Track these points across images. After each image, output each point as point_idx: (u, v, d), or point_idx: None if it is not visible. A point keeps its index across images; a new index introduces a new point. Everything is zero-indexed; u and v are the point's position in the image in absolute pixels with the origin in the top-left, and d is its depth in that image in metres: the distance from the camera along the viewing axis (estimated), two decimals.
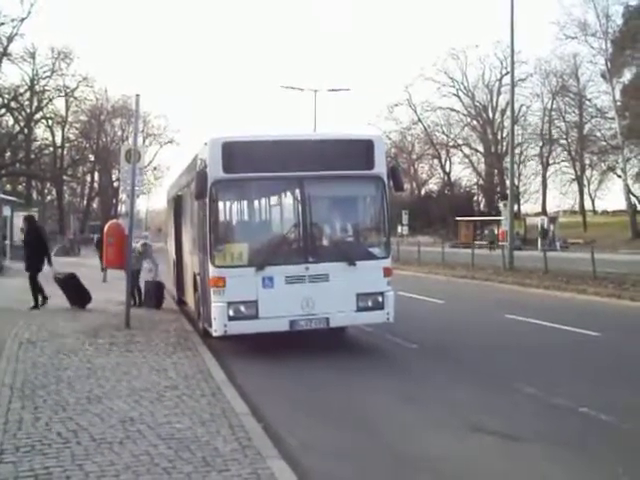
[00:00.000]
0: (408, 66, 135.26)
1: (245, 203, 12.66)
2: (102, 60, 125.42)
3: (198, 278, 12.36)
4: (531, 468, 6.10)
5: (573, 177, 70.75)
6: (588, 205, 73.13)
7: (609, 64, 55.31)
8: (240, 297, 10.51)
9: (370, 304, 10.98)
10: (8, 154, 57.88)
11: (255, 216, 12.74)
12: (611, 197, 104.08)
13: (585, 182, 70.86)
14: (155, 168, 78.10)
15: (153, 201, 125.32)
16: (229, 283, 10.50)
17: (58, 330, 12.41)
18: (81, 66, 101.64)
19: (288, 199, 11.69)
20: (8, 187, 59.74)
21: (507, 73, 59.50)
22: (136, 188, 13.77)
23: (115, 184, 70.47)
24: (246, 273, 10.53)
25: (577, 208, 71.90)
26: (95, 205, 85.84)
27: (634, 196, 59.17)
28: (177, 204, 17.01)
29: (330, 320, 10.82)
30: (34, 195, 68.67)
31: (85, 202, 79.89)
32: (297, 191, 11.04)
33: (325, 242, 11.40)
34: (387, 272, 11.16)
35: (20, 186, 65.19)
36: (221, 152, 10.65)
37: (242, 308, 10.51)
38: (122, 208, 75.81)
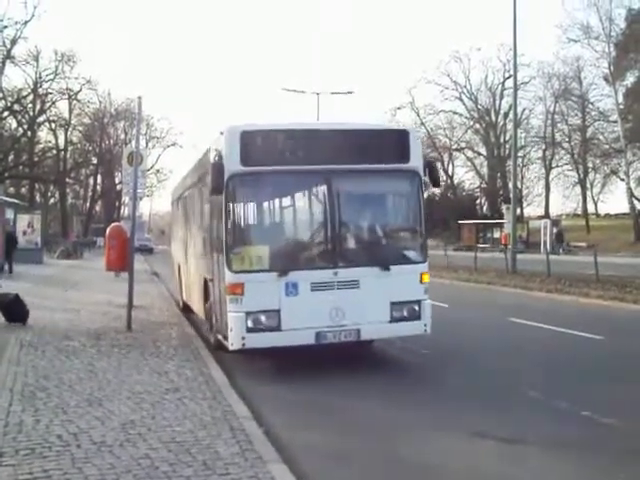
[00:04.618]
0: (411, 69, 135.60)
1: (266, 200, 11.18)
2: (105, 63, 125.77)
3: (210, 284, 11.18)
4: (533, 472, 6.07)
5: (576, 180, 70.69)
6: (591, 208, 73.16)
7: (612, 67, 55.23)
8: (260, 306, 9.42)
9: (405, 314, 9.96)
10: (11, 157, 57.80)
11: (277, 215, 11.27)
12: (614, 200, 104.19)
13: (588, 185, 70.77)
14: (158, 171, 78.42)
15: (156, 204, 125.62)
16: (248, 290, 9.40)
17: (59, 332, 12.40)
18: (84, 69, 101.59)
19: (314, 196, 10.46)
20: (11, 190, 59.87)
21: (510, 76, 59.69)
22: (138, 191, 13.81)
23: (118, 187, 70.44)
24: (267, 279, 9.46)
25: (580, 211, 71.84)
26: (98, 208, 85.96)
27: (637, 199, 59.03)
28: (184, 204, 16.08)
29: (361, 332, 9.74)
30: (37, 198, 68.69)
31: (88, 205, 79.88)
32: (324, 187, 9.91)
33: (355, 244, 10.27)
34: (424, 278, 10.17)
35: (23, 189, 65.25)
36: (239, 142, 9.58)
37: (262, 318, 9.43)
38: (125, 211, 76.08)
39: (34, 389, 8.18)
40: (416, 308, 10.04)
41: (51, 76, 57.85)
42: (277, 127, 10.29)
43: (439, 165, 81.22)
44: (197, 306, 13.76)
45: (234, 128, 9.74)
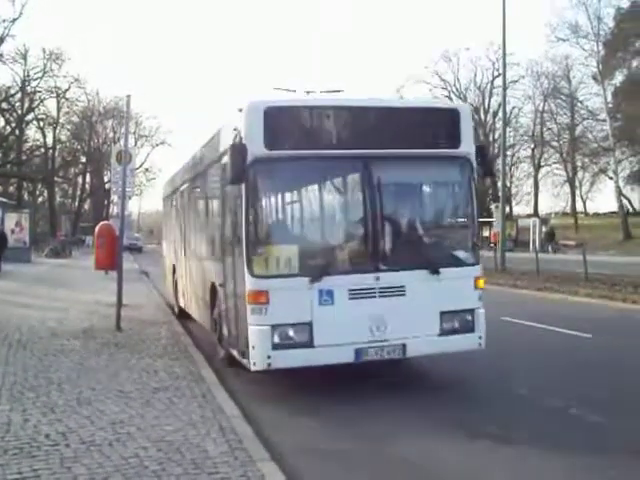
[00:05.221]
0: (400, 68, 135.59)
1: (294, 190, 9.37)
2: (94, 61, 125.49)
3: (221, 290, 9.61)
4: (523, 470, 6.08)
5: (565, 179, 71.05)
6: (580, 207, 73.56)
7: (601, 66, 55.45)
8: (289, 318, 7.95)
9: (457, 325, 8.60)
10: None
11: (307, 209, 9.25)
12: (603, 199, 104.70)
13: (577, 184, 71.17)
14: (147, 170, 78.50)
15: (145, 202, 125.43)
16: (274, 299, 7.88)
17: (48, 331, 12.34)
18: (73, 67, 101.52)
19: (351, 186, 8.97)
20: None
21: (499, 75, 59.58)
22: (127, 190, 13.75)
23: (107, 186, 70.35)
24: (296, 285, 7.96)
25: (569, 210, 72.15)
26: (87, 206, 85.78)
27: (625, 198, 59.53)
28: (182, 199, 14.59)
29: (407, 347, 8.34)
30: (25, 196, 68.44)
31: (77, 203, 79.77)
32: (363, 175, 8.40)
33: (400, 244, 8.67)
34: (478, 283, 8.77)
35: (11, 187, 65.03)
36: (263, 121, 8.00)
37: (291, 333, 7.97)
38: (114, 209, 75.83)
39: (22, 388, 8.14)
40: (469, 318, 8.67)
41: (39, 74, 57.94)
42: (308, 103, 8.75)
43: None
44: (200, 315, 12.41)
45: (257, 103, 8.17)
